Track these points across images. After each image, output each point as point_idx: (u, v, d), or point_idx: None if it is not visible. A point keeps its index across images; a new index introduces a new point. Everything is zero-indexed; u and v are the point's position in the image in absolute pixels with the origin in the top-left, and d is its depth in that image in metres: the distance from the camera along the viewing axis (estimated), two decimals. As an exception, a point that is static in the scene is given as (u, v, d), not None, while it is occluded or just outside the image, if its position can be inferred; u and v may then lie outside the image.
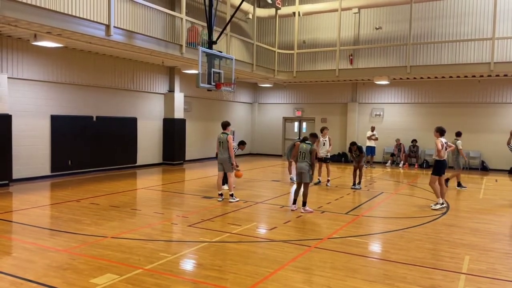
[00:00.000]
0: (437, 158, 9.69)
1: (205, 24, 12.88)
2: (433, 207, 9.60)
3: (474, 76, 17.18)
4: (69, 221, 7.72)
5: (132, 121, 15.70)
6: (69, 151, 13.26)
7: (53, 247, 6.19)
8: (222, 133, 9.99)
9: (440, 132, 9.73)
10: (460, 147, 12.34)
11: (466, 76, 17.28)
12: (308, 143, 9.03)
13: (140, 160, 16.08)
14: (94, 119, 14.17)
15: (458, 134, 12.81)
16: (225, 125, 10.14)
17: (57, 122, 12.91)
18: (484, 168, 17.34)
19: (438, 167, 9.67)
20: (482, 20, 17.50)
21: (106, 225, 7.50)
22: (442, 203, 9.66)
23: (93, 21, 10.40)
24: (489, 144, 17.18)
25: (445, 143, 9.75)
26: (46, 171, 12.78)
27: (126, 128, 15.43)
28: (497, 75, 16.69)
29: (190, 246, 6.42)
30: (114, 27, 10.85)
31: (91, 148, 13.94)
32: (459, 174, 12.76)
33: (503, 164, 17.34)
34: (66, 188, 11.35)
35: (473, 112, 18.08)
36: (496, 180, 14.94)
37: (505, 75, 16.72)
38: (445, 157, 9.77)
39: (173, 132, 16.93)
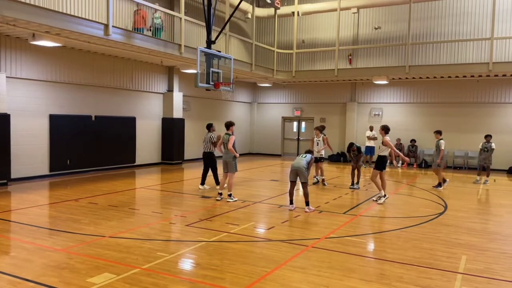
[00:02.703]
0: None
1: (204, 24, 12.88)
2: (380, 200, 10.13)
3: (473, 76, 17.20)
4: (67, 221, 7.73)
5: (131, 120, 15.71)
6: (67, 150, 13.27)
7: (51, 246, 6.20)
8: (226, 133, 10.05)
9: (385, 129, 10.39)
10: (442, 147, 12.40)
11: (465, 76, 17.29)
12: (309, 154, 9.38)
13: (138, 160, 16.10)
14: (93, 118, 14.17)
15: (440, 133, 12.93)
16: (228, 125, 10.24)
17: (55, 121, 12.92)
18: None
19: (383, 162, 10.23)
20: (481, 20, 17.52)
21: (104, 225, 7.51)
22: (385, 195, 10.17)
23: (91, 21, 10.42)
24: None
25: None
26: (45, 170, 12.78)
27: (125, 128, 15.44)
28: (496, 75, 16.71)
29: (188, 246, 6.43)
30: (113, 26, 10.85)
31: (89, 147, 13.95)
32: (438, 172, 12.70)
33: (502, 164, 17.36)
34: (65, 187, 11.36)
35: (472, 112, 18.10)
36: (495, 180, 14.96)
37: (504, 75, 16.74)
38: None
39: (172, 131, 16.94)
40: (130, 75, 15.55)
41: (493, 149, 13.74)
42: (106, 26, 10.70)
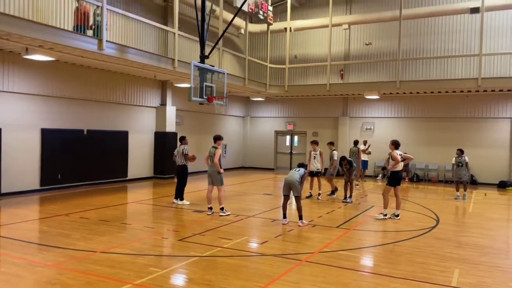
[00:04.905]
0: (395, 169, 9.94)
1: (198, 39, 12.99)
2: (377, 216, 9.94)
3: (462, 91, 17.46)
4: (58, 236, 7.63)
5: (123, 134, 15.66)
6: (59, 164, 13.16)
7: (42, 262, 6.11)
8: (213, 146, 10.04)
9: (395, 145, 10.13)
10: (335, 158, 12.72)
11: (454, 91, 17.57)
12: (302, 168, 9.37)
13: (131, 174, 16.00)
14: (85, 132, 14.11)
15: (332, 144, 13.49)
16: (216, 138, 10.22)
17: (47, 135, 12.83)
18: (473, 182, 17.50)
19: (395, 178, 10.01)
20: (470, 37, 17.90)
21: (95, 240, 7.43)
22: (385, 214, 9.89)
23: (85, 35, 10.45)
24: (478, 158, 17.33)
25: (400, 154, 10.00)
26: (36, 185, 12.64)
27: (117, 142, 15.38)
28: (485, 90, 16.99)
29: (180, 261, 6.37)
30: (107, 41, 10.89)
31: (81, 161, 13.84)
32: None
33: (492, 178, 17.55)
34: (56, 202, 11.23)
35: (462, 127, 18.33)
36: (485, 194, 15.08)
37: (493, 90, 17.04)
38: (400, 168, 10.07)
39: (165, 145, 16.88)
40: (123, 89, 15.56)
41: (467, 162, 13.40)
42: (100, 40, 10.74)
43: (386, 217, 9.87)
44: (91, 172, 14.28)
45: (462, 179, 13.46)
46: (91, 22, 10.82)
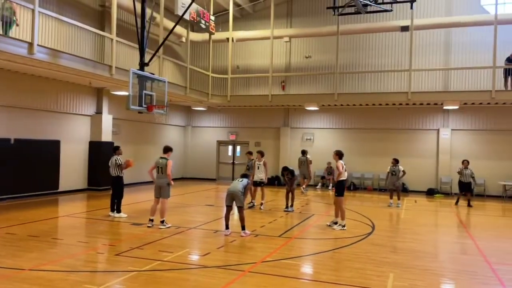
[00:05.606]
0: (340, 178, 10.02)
1: (137, 46, 12.64)
2: (336, 227, 9.92)
3: (394, 104, 18.52)
4: (-22, 254, 6.97)
5: (54, 144, 14.73)
6: (-19, 176, 12.08)
7: (-42, 284, 5.53)
8: (162, 157, 9.76)
9: (340, 155, 10.14)
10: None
11: (387, 104, 18.59)
12: (245, 179, 9.26)
13: (62, 186, 15.05)
14: (12, 141, 13.10)
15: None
16: (167, 149, 9.97)
17: (-32, 144, 11.76)
18: (404, 190, 18.51)
19: (342, 188, 10.08)
20: (401, 53, 19.10)
21: (24, 257, 6.87)
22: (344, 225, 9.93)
23: (14, 38, 9.77)
24: (408, 167, 18.30)
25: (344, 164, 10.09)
26: (-47, 199, 11.51)
27: (48, 152, 14.42)
28: (414, 104, 18.15)
29: (117, 276, 6.06)
30: (38, 45, 10.29)
31: (7, 173, 12.80)
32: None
33: (421, 185, 18.71)
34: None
35: (394, 138, 19.40)
36: (416, 201, 16.01)
37: (421, 104, 18.25)
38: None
39: (100, 155, 16.04)
40: (55, 96, 14.69)
41: (400, 171, 14.00)
42: (31, 44, 10.10)
43: (345, 228, 9.85)
44: (18, 184, 13.24)
45: (395, 187, 14.14)
46: None
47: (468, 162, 14.96)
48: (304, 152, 16.99)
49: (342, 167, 9.97)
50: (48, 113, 14.54)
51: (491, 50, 16.16)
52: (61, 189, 14.97)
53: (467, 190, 14.84)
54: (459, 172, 14.98)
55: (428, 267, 7.04)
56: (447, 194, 17.95)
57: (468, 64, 17.92)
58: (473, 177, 14.83)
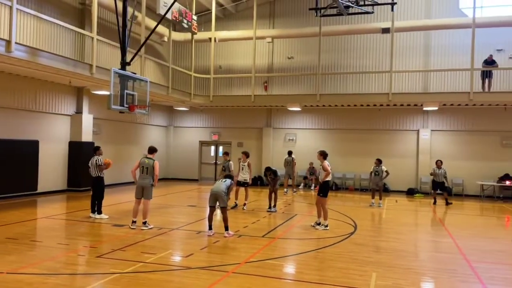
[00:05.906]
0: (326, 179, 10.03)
1: (118, 45, 12.46)
2: (319, 227, 9.94)
3: (375, 105, 18.76)
4: (-47, 258, 6.75)
5: (33, 144, 14.38)
6: (-45, 177, 11.71)
7: None
8: (148, 158, 9.63)
9: (324, 155, 10.17)
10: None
11: (368, 105, 18.81)
12: (228, 179, 9.21)
13: (41, 187, 14.70)
14: (-12, 141, 12.76)
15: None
16: (153, 150, 9.90)
17: None
18: (385, 190, 18.75)
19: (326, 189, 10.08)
20: (382, 55, 19.34)
21: (2, 260, 6.68)
22: (326, 225, 9.95)
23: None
24: (389, 167, 18.49)
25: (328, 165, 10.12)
26: None
27: (26, 152, 14.06)
28: (395, 105, 18.42)
29: (98, 279, 5.95)
30: (16, 43, 10.05)
31: (-17, 174, 12.47)
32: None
33: (401, 185, 19.00)
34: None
35: (375, 138, 19.64)
36: (396, 201, 16.24)
37: (402, 105, 18.53)
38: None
39: (80, 156, 15.75)
40: (33, 95, 14.36)
41: (383, 171, 14.17)
42: (8, 42, 9.85)
43: (328, 228, 9.86)
44: (-5, 185, 12.91)
45: (378, 187, 14.32)
46: None
47: (441, 162, 15.30)
48: (290, 153, 17.25)
49: (329, 166, 10.04)
50: (26, 112, 14.20)
51: (469, 53, 16.55)
52: (40, 190, 14.63)
53: (441, 189, 15.17)
54: (432, 174, 15.36)
55: (410, 266, 7.14)
56: (427, 194, 18.26)
57: (447, 66, 18.28)
58: (445, 177, 15.23)
